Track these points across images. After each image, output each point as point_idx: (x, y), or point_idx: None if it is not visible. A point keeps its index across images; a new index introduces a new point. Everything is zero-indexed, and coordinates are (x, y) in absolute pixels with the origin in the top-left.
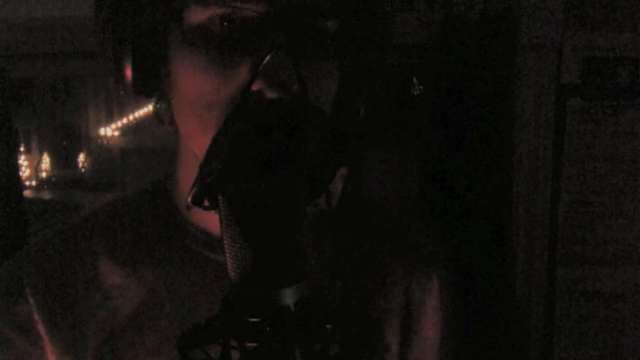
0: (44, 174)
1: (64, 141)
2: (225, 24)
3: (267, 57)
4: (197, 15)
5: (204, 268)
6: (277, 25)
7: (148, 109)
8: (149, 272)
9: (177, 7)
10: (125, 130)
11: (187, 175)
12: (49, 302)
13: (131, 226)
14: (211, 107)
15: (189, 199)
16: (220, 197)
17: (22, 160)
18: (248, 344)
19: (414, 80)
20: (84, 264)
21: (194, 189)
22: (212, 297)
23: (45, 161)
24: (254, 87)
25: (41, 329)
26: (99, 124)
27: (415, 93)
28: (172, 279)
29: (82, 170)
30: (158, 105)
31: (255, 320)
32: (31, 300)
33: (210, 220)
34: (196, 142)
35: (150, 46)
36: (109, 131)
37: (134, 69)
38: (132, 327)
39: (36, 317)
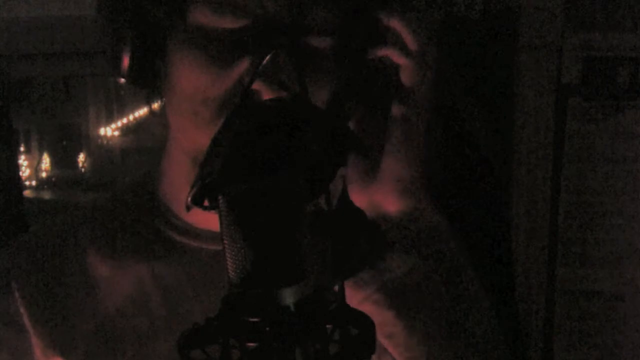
0: (44, 174)
1: (64, 141)
2: (229, 24)
3: (267, 57)
4: (201, 14)
5: (188, 259)
6: (279, 27)
7: (148, 108)
8: (135, 264)
9: (182, 4)
10: (125, 130)
11: (174, 170)
12: (36, 295)
13: (117, 220)
14: (207, 103)
15: (189, 199)
16: (220, 198)
17: (22, 160)
18: (248, 344)
19: None
20: (71, 258)
21: (194, 189)
22: (198, 287)
23: (45, 161)
24: (254, 87)
25: (27, 322)
26: (99, 124)
27: None
28: (158, 270)
29: (82, 170)
30: (150, 98)
31: (255, 320)
32: (17, 294)
33: (193, 214)
34: (187, 136)
35: (149, 37)
36: (109, 131)
37: (132, 56)
38: (120, 318)
39: (22, 310)
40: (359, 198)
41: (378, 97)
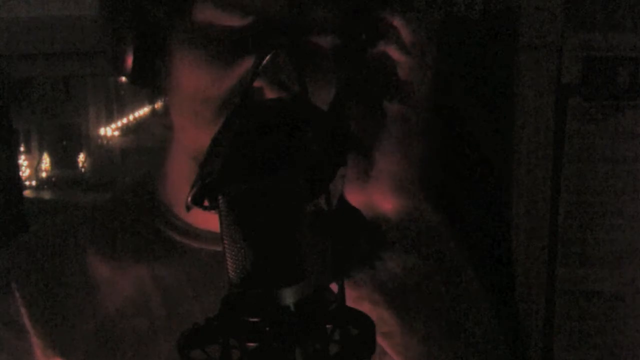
0: (44, 174)
1: (64, 141)
2: (230, 24)
3: (267, 57)
4: (202, 14)
5: (188, 259)
6: (279, 27)
7: (148, 108)
8: (135, 264)
9: (182, 4)
10: (125, 130)
11: (175, 170)
12: (36, 295)
13: (117, 220)
14: (208, 103)
15: (189, 199)
16: (220, 198)
17: (22, 160)
18: (248, 344)
19: None
20: (71, 258)
21: (194, 189)
22: (198, 287)
23: (45, 161)
24: (255, 86)
25: (27, 322)
26: (99, 124)
27: None
28: (158, 270)
29: (82, 170)
30: (152, 98)
31: (255, 320)
32: (17, 294)
33: (193, 214)
34: (188, 134)
35: (150, 37)
36: (109, 131)
37: (132, 56)
38: (120, 318)
39: (22, 310)
40: (357, 198)
41: (378, 97)
